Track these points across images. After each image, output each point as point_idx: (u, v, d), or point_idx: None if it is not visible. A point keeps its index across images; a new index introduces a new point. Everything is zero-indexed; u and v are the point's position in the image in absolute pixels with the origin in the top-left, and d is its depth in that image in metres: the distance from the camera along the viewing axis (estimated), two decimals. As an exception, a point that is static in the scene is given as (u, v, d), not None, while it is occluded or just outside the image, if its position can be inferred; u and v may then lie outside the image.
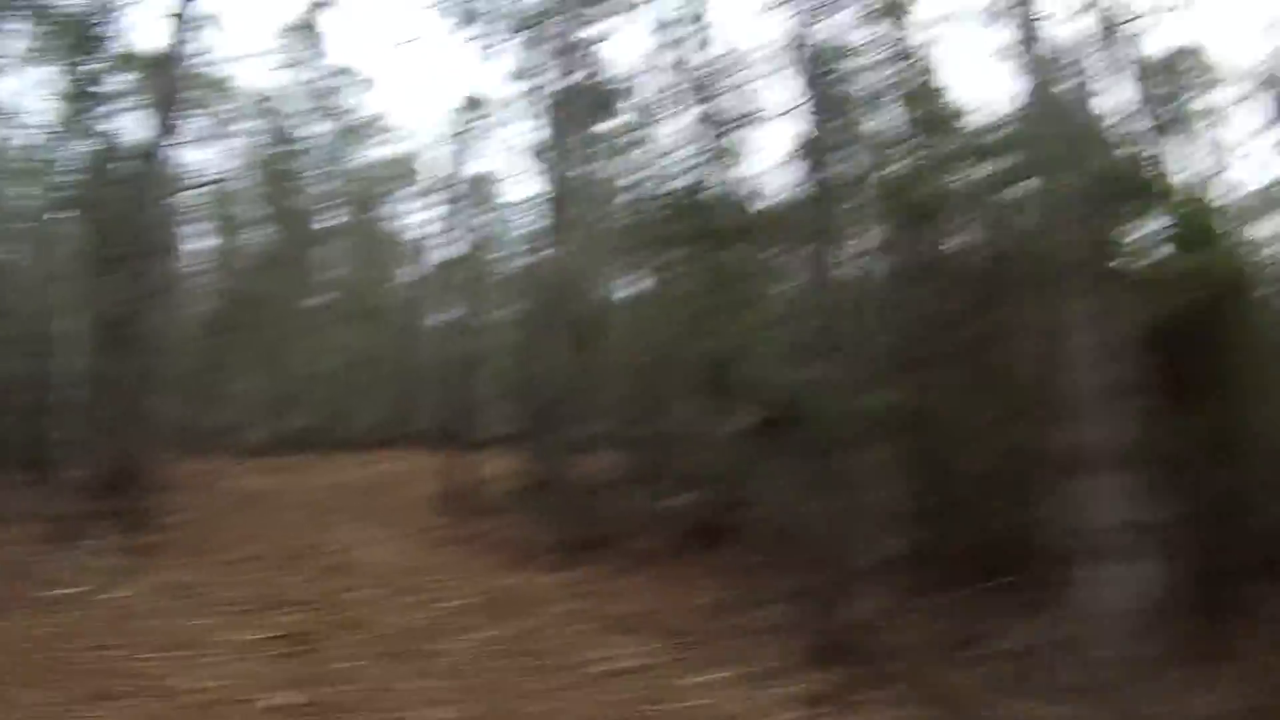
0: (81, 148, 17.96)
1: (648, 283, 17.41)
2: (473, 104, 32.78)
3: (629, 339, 16.86)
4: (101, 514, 12.65)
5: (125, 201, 15.97)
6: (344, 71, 34.69)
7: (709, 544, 13.49)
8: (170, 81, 13.78)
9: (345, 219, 35.79)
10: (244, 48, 36.78)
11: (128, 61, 18.70)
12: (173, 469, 17.43)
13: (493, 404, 28.82)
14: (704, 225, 16.06)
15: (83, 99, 17.20)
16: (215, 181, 31.19)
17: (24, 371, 17.69)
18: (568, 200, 18.94)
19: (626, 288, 19.41)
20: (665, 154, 17.91)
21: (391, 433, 32.52)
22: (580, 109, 19.03)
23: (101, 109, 17.64)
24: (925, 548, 9.70)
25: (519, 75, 21.14)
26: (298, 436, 29.81)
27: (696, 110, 17.56)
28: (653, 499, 14.77)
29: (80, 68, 17.02)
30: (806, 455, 12.77)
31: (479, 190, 20.90)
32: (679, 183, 17.80)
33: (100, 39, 17.04)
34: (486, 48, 20.47)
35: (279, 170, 31.77)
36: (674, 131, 18.81)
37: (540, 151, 22.49)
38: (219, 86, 29.58)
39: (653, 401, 15.90)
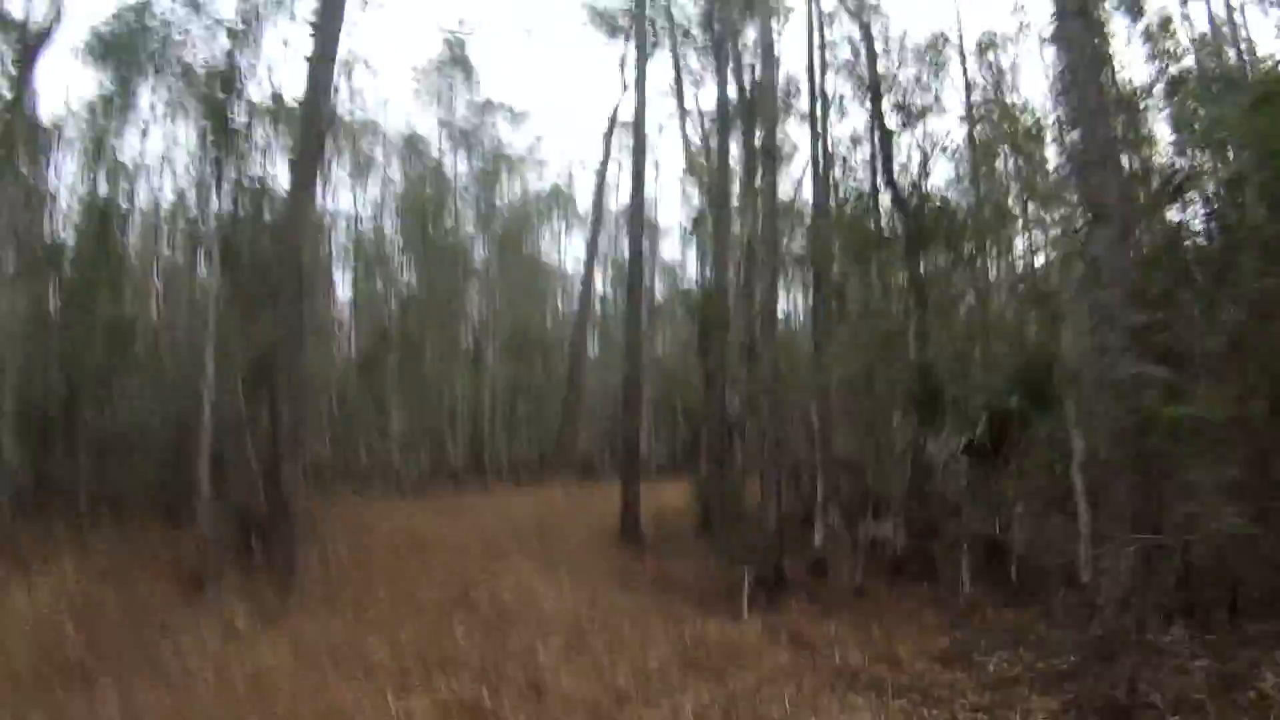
0: (226, 195, 17.80)
1: (831, 295, 15.79)
2: (627, 128, 32.28)
3: (811, 356, 15.27)
4: (243, 562, 11.78)
5: (271, 245, 15.56)
6: (495, 105, 34.68)
7: (919, 576, 11.93)
8: (314, 124, 13.03)
9: (499, 251, 35.40)
10: (392, 87, 36.88)
11: (269, 110, 18.63)
12: (322, 510, 16.64)
13: (658, 430, 27.79)
14: (895, 228, 14.61)
15: (225, 146, 17.00)
16: (363, 221, 31.46)
17: (167, 415, 17.43)
18: (733, 216, 17.63)
19: (806, 301, 17.90)
20: (842, 156, 16.61)
21: (552, 464, 31.76)
22: (743, 118, 17.78)
23: (244, 156, 17.51)
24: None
25: (677, 88, 20.17)
26: (455, 470, 29.23)
27: (872, 108, 16.15)
28: (850, 527, 13.23)
29: (221, 116, 16.82)
30: (1042, 479, 11.18)
31: (636, 216, 19.76)
32: (860, 185, 16.47)
33: (241, 87, 16.93)
34: (642, 65, 19.36)
35: (428, 206, 31.42)
36: (848, 133, 17.57)
37: (701, 168, 21.42)
38: (365, 127, 29.78)
39: (845, 421, 14.38)
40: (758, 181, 18.34)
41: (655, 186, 37.25)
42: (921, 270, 14.76)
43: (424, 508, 21.48)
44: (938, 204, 15.22)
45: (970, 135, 17.56)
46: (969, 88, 18.02)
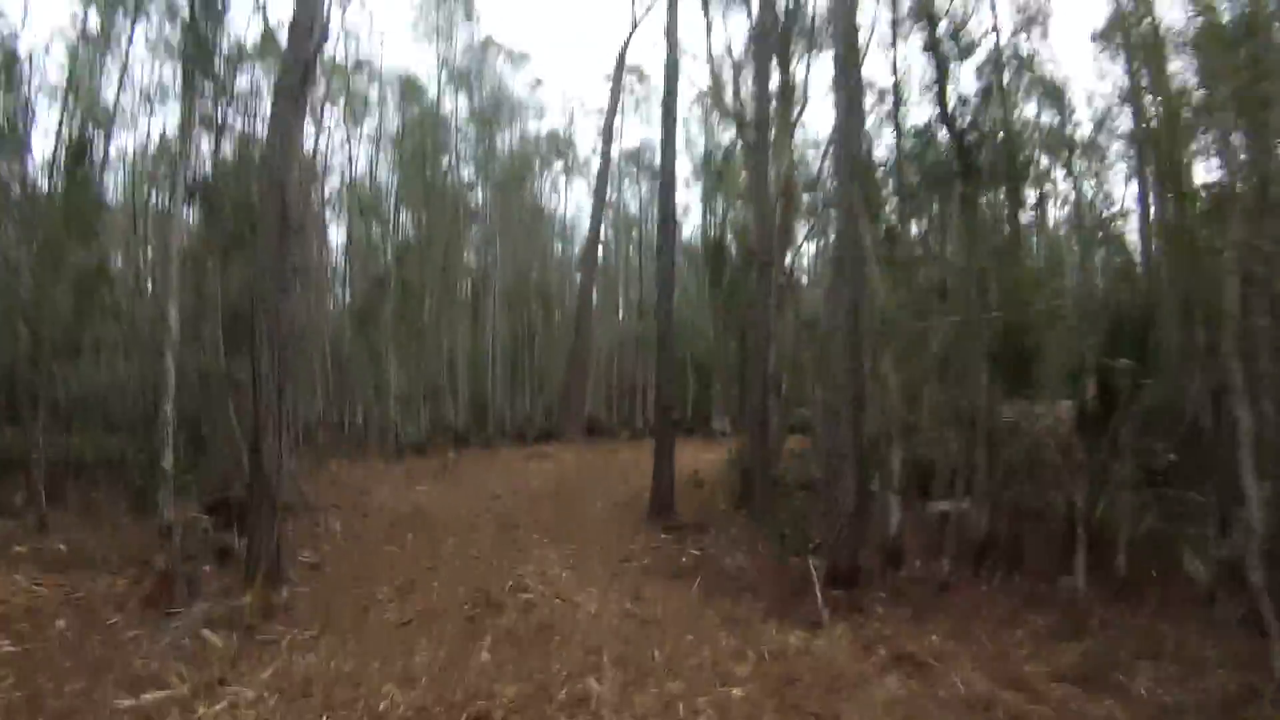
0: (210, 136, 16.13)
1: (886, 238, 14.04)
2: (635, 71, 30.59)
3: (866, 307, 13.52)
4: (219, 557, 10.11)
5: (256, 187, 13.77)
6: (494, 44, 32.63)
7: (1003, 564, 10.28)
8: (304, 59, 10.93)
9: (498, 197, 33.48)
10: (388, 24, 34.51)
11: (256, 50, 17.04)
12: (311, 484, 15.01)
13: (680, 387, 26.07)
14: (958, 166, 12.80)
15: (210, 82, 15.25)
16: (358, 165, 29.69)
17: (142, 377, 15.62)
18: (769, 153, 15.79)
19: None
20: (892, 89, 14.77)
21: (558, 423, 30.17)
22: (780, 46, 15.97)
23: (228, 92, 15.86)
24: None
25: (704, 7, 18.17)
26: (456, 430, 27.54)
27: (928, 35, 14.29)
28: (921, 506, 11.63)
29: (207, 48, 15.05)
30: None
31: (669, 138, 17.48)
32: (910, 121, 14.68)
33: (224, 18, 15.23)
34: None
35: (427, 148, 29.48)
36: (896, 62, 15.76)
37: (722, 99, 19.61)
38: (361, 67, 28.04)
39: (904, 384, 12.71)
40: (794, 113, 16.71)
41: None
42: (979, 212, 13.04)
43: (428, 473, 19.80)
44: (998, 136, 13.41)
45: (999, 79, 15.84)
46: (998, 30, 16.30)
